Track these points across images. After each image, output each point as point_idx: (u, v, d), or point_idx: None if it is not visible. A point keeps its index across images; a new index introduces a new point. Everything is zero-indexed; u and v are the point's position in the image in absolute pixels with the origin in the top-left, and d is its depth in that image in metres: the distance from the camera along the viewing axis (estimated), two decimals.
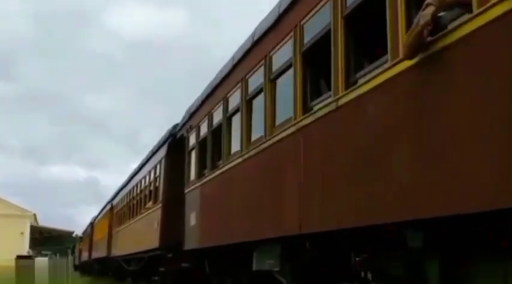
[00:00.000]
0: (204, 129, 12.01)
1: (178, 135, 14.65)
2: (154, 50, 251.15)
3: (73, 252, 74.51)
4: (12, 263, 47.81)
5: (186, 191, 13.15)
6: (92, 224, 42.54)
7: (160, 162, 16.59)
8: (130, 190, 22.89)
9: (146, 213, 18.16)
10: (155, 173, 17.42)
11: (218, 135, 11.02)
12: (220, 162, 10.83)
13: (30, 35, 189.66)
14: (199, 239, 11.89)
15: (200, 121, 12.28)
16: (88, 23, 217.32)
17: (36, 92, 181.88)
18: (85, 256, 46.23)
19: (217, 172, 10.75)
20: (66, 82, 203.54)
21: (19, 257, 58.15)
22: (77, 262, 54.84)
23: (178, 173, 15.22)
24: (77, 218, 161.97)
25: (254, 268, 8.88)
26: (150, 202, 17.82)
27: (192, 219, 12.36)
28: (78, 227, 75.45)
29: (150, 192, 18.08)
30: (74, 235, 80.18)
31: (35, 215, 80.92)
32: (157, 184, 16.98)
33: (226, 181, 10.31)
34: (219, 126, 10.90)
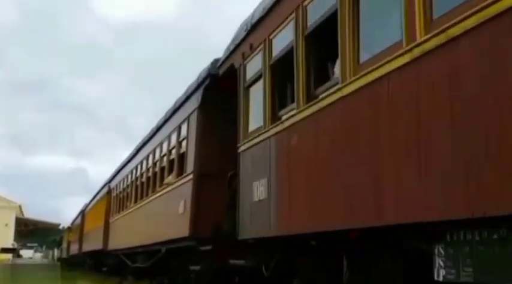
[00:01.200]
0: (283, 42, 7.37)
1: (223, 71, 9.98)
2: (144, 33, 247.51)
3: (59, 245, 71.17)
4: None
5: (241, 149, 8.52)
6: (83, 213, 37.75)
7: (188, 118, 11.93)
8: (137, 166, 18.16)
9: (164, 191, 13.49)
10: (179, 135, 12.75)
11: (318, 44, 6.48)
12: (322, 90, 6.29)
13: (16, 21, 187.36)
14: (273, 224, 7.25)
15: (274, 32, 7.61)
16: (76, 7, 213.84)
17: (22, 78, 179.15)
18: (74, 249, 41.34)
19: (311, 110, 6.28)
20: (54, 68, 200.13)
21: (3, 250, 55.78)
22: (65, 255, 50.36)
23: (218, 131, 10.69)
24: (64, 210, 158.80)
25: None
26: (171, 176, 13.16)
27: (256, 192, 7.74)
28: (65, 219, 72.29)
29: (171, 162, 13.41)
30: (60, 227, 78.20)
31: (20, 206, 78.65)
32: (183, 149, 12.32)
33: (330, 125, 6.00)
34: (321, 27, 6.33)
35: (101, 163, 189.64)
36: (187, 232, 10.86)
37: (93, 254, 29.08)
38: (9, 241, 66.81)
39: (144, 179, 16.69)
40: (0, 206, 71.29)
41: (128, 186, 19.81)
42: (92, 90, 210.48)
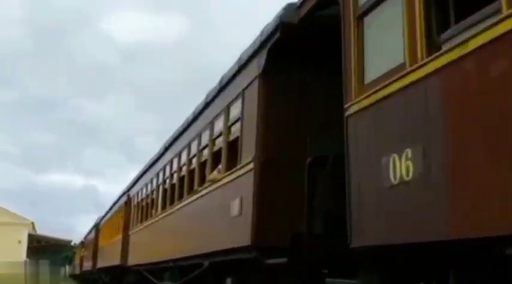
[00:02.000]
0: None
1: (305, 12, 7.03)
2: (149, 55, 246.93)
3: (71, 261, 69.19)
4: (8, 271, 46.83)
5: (351, 111, 5.53)
6: (97, 227, 34.73)
7: (242, 94, 9.01)
8: (165, 166, 15.18)
9: (206, 190, 10.53)
10: (227, 118, 9.80)
11: None
12: None
13: (27, 43, 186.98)
14: (444, 219, 4.18)
15: None
16: (85, 30, 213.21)
17: (33, 99, 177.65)
18: (87, 265, 38.20)
19: None
20: (64, 88, 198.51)
21: None
22: (77, 272, 47.62)
23: (289, 105, 8.01)
24: (75, 227, 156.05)
25: None
26: (215, 171, 10.19)
27: (393, 170, 4.69)
28: (77, 236, 71.12)
29: (215, 154, 10.45)
30: (72, 244, 77.36)
31: (33, 223, 79.04)
32: (234, 135, 9.36)
33: None
34: None
35: (110, 181, 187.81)
36: (248, 240, 7.89)
37: (110, 270, 25.98)
38: (22, 258, 63.00)
39: (175, 180, 13.71)
40: (13, 223, 71.88)
41: (152, 191, 16.82)
42: (100, 111, 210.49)
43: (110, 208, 29.15)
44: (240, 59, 9.18)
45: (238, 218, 8.49)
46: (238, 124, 9.14)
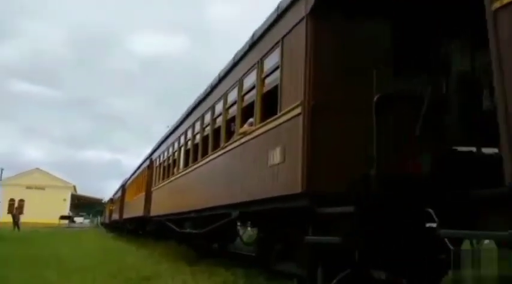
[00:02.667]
0: None
1: None
2: (162, 65, 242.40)
3: (101, 214, 67.53)
4: (57, 221, 51.38)
5: (499, 3, 2.82)
6: (123, 186, 31.57)
7: (281, 41, 6.21)
8: (187, 129, 12.27)
9: (236, 144, 7.73)
10: (260, 71, 6.98)
11: None
12: None
13: (70, 53, 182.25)
14: None
15: None
16: (113, 44, 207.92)
17: (74, 97, 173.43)
18: (115, 216, 35.02)
19: None
20: (97, 89, 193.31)
21: (62, 217, 53.28)
22: (107, 221, 44.91)
23: (344, 46, 5.28)
24: (104, 189, 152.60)
25: None
26: (246, 125, 7.40)
27: None
28: (105, 195, 70.10)
29: (246, 109, 7.62)
30: (102, 201, 73.82)
31: (74, 186, 79.99)
32: (272, 84, 6.53)
33: None
34: None
35: (131, 157, 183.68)
36: (298, 186, 5.14)
37: (134, 220, 22.99)
38: (66, 211, 68.40)
39: (197, 141, 10.85)
40: (60, 186, 74.01)
41: (174, 153, 13.89)
42: (125, 106, 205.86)
43: (134, 172, 26.05)
44: (279, 7, 6.37)
45: (280, 166, 5.75)
46: (276, 74, 6.36)
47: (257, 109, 6.93)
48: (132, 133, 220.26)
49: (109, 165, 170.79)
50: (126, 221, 27.16)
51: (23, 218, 50.36)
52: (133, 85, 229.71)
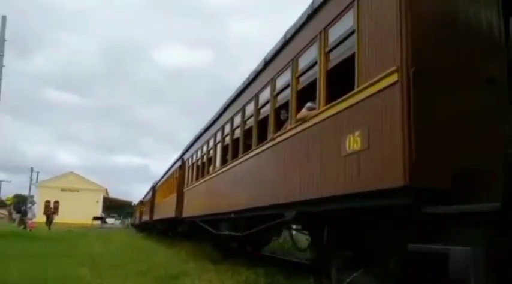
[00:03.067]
0: None
1: None
2: (186, 76, 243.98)
3: (131, 216, 67.40)
4: (90, 222, 50.97)
5: None
6: (153, 188, 30.45)
7: (356, 2, 4.76)
8: (224, 125, 10.82)
9: (288, 134, 6.25)
10: (324, 41, 5.50)
11: None
12: None
13: (100, 65, 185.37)
14: None
15: None
16: (141, 56, 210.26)
17: (104, 104, 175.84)
18: (146, 218, 33.90)
19: None
20: (126, 98, 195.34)
21: (95, 218, 53.24)
22: (137, 222, 44.03)
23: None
24: (133, 192, 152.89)
25: None
26: (304, 109, 5.92)
27: None
28: (135, 198, 69.87)
29: (305, 90, 6.14)
30: (132, 204, 75.01)
31: (106, 189, 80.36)
32: (345, 54, 5.04)
33: None
34: None
35: (158, 161, 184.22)
36: (400, 179, 3.64)
37: (164, 221, 21.69)
38: (98, 212, 67.86)
39: (238, 134, 9.42)
40: (93, 189, 74.10)
41: (209, 150, 12.51)
42: (152, 114, 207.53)
43: (165, 173, 24.84)
44: None
45: (361, 154, 4.27)
46: (349, 42, 4.89)
47: (320, 90, 5.46)
48: (158, 140, 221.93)
49: (137, 169, 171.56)
50: (157, 222, 25.93)
51: (57, 219, 50.67)
52: (159, 95, 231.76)
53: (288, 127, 6.34)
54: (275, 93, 7.20)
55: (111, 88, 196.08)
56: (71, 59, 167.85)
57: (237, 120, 9.54)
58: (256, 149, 7.77)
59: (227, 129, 10.39)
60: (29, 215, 30.06)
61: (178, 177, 17.65)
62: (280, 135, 6.65)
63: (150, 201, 30.89)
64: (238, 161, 8.83)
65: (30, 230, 26.30)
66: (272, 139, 6.96)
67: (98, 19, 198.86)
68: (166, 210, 20.22)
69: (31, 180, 61.16)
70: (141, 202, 42.64)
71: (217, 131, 11.42)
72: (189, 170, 15.77)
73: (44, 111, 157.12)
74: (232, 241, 10.86)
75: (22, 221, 30.36)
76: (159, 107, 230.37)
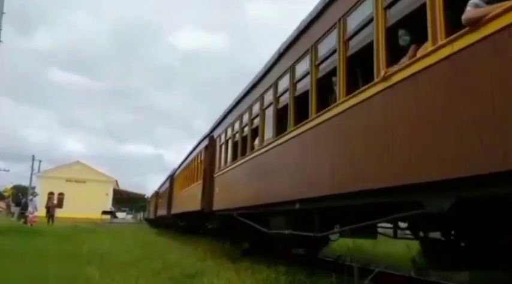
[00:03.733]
0: None
1: None
2: (202, 60, 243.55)
3: (145, 210, 70.26)
4: (99, 216, 49.85)
5: None
6: (171, 177, 28.59)
7: None
8: (286, 73, 8.42)
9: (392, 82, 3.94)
10: None
11: None
12: None
13: (111, 46, 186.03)
14: None
15: None
16: (155, 39, 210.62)
17: (116, 89, 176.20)
18: (162, 211, 32.00)
19: None
20: (138, 81, 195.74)
21: (104, 212, 51.81)
22: (152, 216, 42.54)
23: None
24: (147, 184, 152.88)
25: None
26: (469, 7, 3.61)
27: None
28: (148, 191, 69.63)
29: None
30: (145, 197, 74.67)
31: (116, 181, 79.28)
32: None
33: None
34: None
35: (173, 151, 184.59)
36: None
37: (186, 215, 19.69)
38: (108, 206, 67.19)
39: (303, 88, 7.12)
40: (102, 181, 72.58)
41: (253, 119, 10.26)
42: (166, 99, 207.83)
43: (186, 158, 22.83)
44: None
45: None
46: None
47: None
48: (173, 128, 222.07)
49: (151, 159, 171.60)
50: (176, 217, 24.00)
51: (62, 213, 49.73)
52: (174, 80, 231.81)
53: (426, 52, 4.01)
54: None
55: (123, 70, 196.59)
56: (78, 38, 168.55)
57: (300, 70, 7.25)
58: (346, 101, 5.46)
59: (284, 83, 8.10)
60: (30, 208, 28.99)
61: (205, 160, 15.57)
62: (404, 69, 4.34)
63: (168, 192, 29.08)
64: (315, 122, 6.51)
65: (31, 225, 25.37)
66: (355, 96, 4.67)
67: None
68: (188, 201, 18.23)
69: (32, 169, 60.21)
70: (156, 194, 41.05)
71: (267, 90, 9.16)
72: (220, 149, 13.62)
73: (47, 93, 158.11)
74: (284, 240, 8.76)
75: (22, 215, 29.34)
76: (173, 92, 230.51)
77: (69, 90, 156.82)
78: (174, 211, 24.60)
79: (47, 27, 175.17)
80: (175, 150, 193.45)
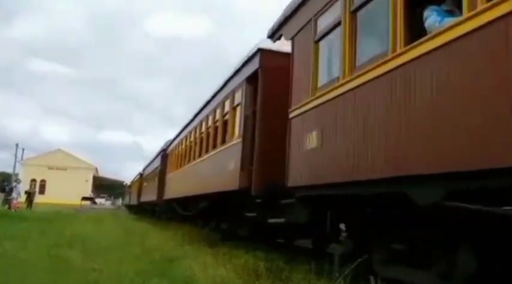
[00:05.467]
0: None
1: None
2: (182, 47, 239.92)
3: (123, 196, 71.28)
4: (79, 202, 50.44)
5: None
6: (141, 175, 26.62)
7: None
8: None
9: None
10: None
11: None
12: None
13: (90, 35, 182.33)
14: None
15: None
16: (132, 26, 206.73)
17: (95, 77, 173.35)
18: (149, 196, 24.14)
19: None
20: (117, 70, 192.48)
21: (84, 198, 53.15)
22: (135, 203, 38.09)
23: None
24: (125, 171, 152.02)
25: None
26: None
27: None
28: (127, 177, 69.93)
29: None
30: (124, 183, 73.40)
31: (96, 168, 79.44)
32: None
33: None
34: None
35: (152, 139, 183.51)
36: None
37: (192, 200, 13.40)
38: (88, 192, 67.36)
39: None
40: (82, 167, 72.87)
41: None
42: (145, 87, 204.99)
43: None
44: None
45: None
46: None
47: None
48: (151, 115, 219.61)
49: (129, 147, 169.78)
50: (170, 202, 17.90)
51: (44, 199, 48.82)
52: (152, 67, 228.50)
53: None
54: None
55: (101, 59, 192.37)
56: (57, 27, 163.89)
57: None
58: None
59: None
60: (14, 194, 28.50)
61: (231, 115, 9.97)
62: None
63: (158, 172, 21.65)
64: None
65: (15, 210, 25.08)
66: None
67: None
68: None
69: (16, 157, 58.96)
70: (140, 176, 33.61)
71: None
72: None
73: (27, 82, 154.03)
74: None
75: (6, 201, 28.95)
76: (152, 80, 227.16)
77: (49, 79, 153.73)
78: (167, 196, 18.46)
79: (25, 16, 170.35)
80: (154, 137, 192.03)
